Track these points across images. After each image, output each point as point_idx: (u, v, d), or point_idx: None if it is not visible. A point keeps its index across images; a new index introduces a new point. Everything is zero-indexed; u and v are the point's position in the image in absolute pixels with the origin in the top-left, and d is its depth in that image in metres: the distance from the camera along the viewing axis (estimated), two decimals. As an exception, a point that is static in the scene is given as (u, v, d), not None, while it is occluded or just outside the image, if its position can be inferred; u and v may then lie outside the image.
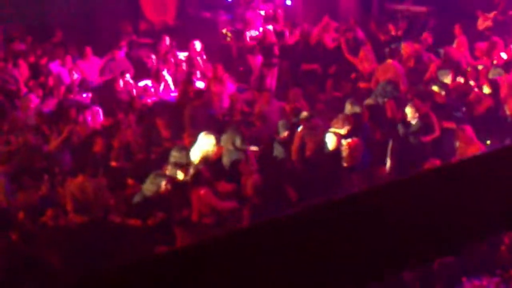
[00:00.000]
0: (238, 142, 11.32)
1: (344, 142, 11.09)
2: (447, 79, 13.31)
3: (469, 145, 11.03)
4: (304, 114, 11.90)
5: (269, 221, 1.52)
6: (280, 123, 12.33)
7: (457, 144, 11.41)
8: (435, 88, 12.72)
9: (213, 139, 10.79)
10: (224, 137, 11.41)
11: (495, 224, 1.59)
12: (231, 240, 1.49)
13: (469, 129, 11.36)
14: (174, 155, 10.77)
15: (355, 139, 11.13)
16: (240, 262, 1.44)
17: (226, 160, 11.31)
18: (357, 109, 12.01)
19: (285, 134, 11.92)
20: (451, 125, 11.97)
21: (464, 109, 12.53)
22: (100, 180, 10.41)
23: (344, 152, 11.03)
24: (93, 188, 10.19)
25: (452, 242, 1.56)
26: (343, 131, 11.27)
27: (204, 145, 10.76)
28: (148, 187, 10.00)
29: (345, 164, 10.97)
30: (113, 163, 11.40)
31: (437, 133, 11.97)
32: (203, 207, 9.97)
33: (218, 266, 1.43)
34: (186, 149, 11.03)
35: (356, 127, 11.46)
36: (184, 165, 10.60)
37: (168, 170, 10.55)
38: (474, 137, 11.32)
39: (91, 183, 10.24)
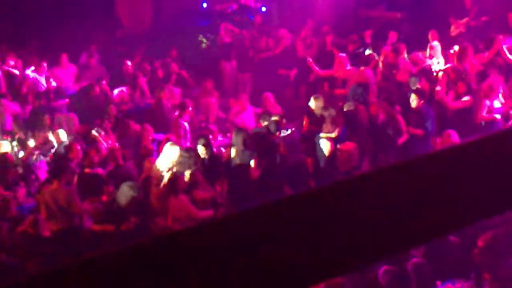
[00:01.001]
0: (246, 142, 11.35)
1: (339, 146, 11.13)
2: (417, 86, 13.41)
3: None
4: (274, 118, 11.95)
5: (263, 206, 1.56)
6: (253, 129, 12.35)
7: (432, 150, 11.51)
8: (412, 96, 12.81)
9: (177, 149, 10.80)
10: (234, 139, 11.46)
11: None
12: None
13: (453, 135, 11.43)
14: (182, 155, 10.89)
15: (349, 142, 11.19)
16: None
17: (238, 160, 11.36)
18: (332, 112, 12.09)
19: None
20: (418, 132, 12.10)
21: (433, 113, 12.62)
22: (73, 187, 10.37)
23: (340, 156, 11.02)
24: (65, 195, 10.15)
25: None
26: (334, 135, 11.37)
27: (169, 155, 10.79)
28: (121, 196, 10.00)
29: (341, 169, 10.96)
30: (87, 170, 11.37)
31: (404, 137, 12.08)
32: (179, 214, 9.98)
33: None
34: (194, 150, 11.14)
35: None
36: (192, 165, 10.72)
37: (175, 169, 10.69)
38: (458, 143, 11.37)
39: (64, 190, 10.21)
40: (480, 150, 1.65)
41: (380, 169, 1.63)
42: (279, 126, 11.61)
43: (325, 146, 11.24)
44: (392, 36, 16.72)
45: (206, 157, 11.25)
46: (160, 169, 10.75)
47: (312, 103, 12.61)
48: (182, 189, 10.23)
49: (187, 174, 10.61)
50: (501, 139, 1.69)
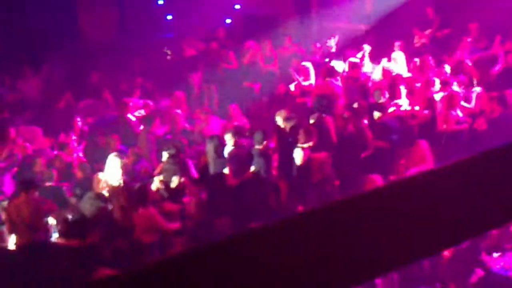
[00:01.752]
0: (218, 149, 11.42)
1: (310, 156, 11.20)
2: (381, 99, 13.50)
3: (420, 162, 11.18)
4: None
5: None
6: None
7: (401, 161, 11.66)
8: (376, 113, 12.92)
9: (119, 161, 10.78)
10: (207, 148, 11.55)
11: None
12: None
13: (424, 145, 11.52)
14: (168, 162, 10.98)
15: (323, 153, 11.26)
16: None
17: (212, 169, 11.38)
18: (292, 123, 12.18)
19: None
20: (383, 144, 12.20)
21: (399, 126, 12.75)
22: (38, 201, 10.26)
23: (313, 166, 11.08)
24: (30, 210, 10.05)
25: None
26: (308, 145, 11.41)
27: (112, 166, 10.75)
28: (85, 206, 9.94)
29: (313, 179, 11.01)
30: (49, 183, 11.30)
31: (370, 150, 12.17)
32: (147, 225, 9.95)
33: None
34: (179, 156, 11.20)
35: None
36: (178, 171, 10.99)
37: (161, 177, 10.93)
38: (428, 154, 11.46)
39: (29, 204, 10.11)
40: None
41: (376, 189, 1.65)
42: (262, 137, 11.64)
43: (299, 155, 11.27)
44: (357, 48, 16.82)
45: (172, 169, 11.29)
46: (110, 182, 10.75)
47: (278, 119, 12.69)
48: (151, 200, 10.24)
49: (175, 180, 10.68)
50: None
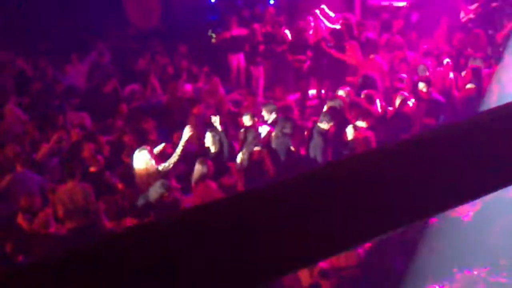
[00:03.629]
0: (287, 128, 11.40)
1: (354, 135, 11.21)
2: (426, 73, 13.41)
3: None
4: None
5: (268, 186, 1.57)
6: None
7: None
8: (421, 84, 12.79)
9: (146, 153, 10.76)
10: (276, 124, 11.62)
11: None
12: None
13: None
14: (247, 136, 11.15)
15: (368, 131, 11.29)
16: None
17: (274, 145, 11.46)
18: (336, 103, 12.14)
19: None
20: (430, 121, 12.08)
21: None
22: (88, 186, 10.42)
23: (358, 145, 11.07)
24: (82, 194, 10.22)
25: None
26: (326, 126, 11.37)
27: (139, 161, 10.76)
28: (152, 192, 10.14)
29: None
30: (92, 169, 11.43)
31: (417, 126, 12.06)
32: (205, 200, 10.00)
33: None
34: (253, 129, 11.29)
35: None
36: (257, 143, 11.01)
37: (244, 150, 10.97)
38: None
39: (80, 189, 10.27)
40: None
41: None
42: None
43: (350, 133, 11.25)
44: (397, 24, 16.67)
45: (216, 148, 11.36)
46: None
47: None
48: (210, 175, 10.31)
49: (255, 149, 10.75)
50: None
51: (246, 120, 11.64)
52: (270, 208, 1.50)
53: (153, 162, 10.61)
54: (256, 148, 10.92)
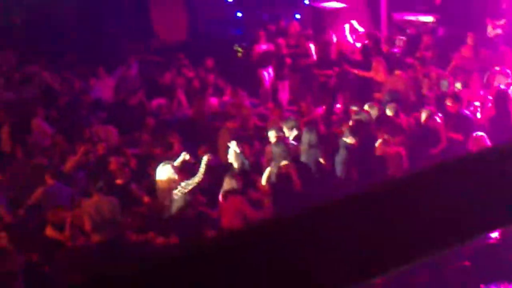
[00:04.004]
0: (313, 140, 11.44)
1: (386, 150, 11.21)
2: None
3: None
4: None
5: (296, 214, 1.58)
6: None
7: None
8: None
9: (170, 168, 10.74)
10: (303, 136, 11.65)
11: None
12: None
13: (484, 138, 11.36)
14: (274, 149, 11.10)
15: (399, 147, 11.31)
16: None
17: (303, 159, 11.50)
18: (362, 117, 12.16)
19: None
20: (457, 136, 12.00)
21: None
22: (114, 198, 10.48)
23: (389, 160, 11.10)
24: (109, 207, 10.28)
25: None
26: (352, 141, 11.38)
27: (162, 175, 10.71)
28: (175, 209, 10.23)
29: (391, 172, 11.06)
30: (119, 181, 11.49)
31: (443, 142, 12.00)
32: (235, 214, 10.02)
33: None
34: (284, 143, 11.27)
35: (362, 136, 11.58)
36: (286, 157, 10.93)
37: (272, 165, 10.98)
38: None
39: (107, 201, 10.33)
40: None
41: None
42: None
43: (379, 148, 11.27)
44: (426, 40, 16.63)
45: (238, 164, 11.36)
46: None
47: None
48: (239, 189, 10.32)
49: (283, 164, 10.74)
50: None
51: (272, 136, 11.65)
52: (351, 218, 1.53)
53: (176, 177, 10.59)
54: (284, 162, 10.91)
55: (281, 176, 10.88)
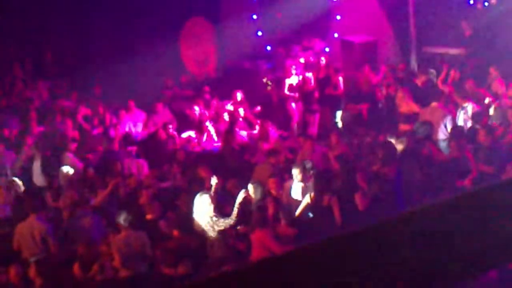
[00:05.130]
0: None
1: None
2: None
3: None
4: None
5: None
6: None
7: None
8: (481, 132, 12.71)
9: (207, 198, 10.67)
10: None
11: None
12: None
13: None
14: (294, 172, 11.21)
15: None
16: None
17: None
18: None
19: None
20: (487, 169, 11.89)
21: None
22: (143, 233, 10.49)
23: None
24: (138, 242, 10.29)
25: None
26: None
27: (199, 205, 10.59)
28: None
29: None
30: (149, 216, 11.54)
31: (474, 173, 11.91)
32: (261, 249, 9.99)
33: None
34: (305, 165, 11.30)
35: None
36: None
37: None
38: None
39: (136, 236, 10.35)
40: None
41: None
42: None
43: None
44: (454, 73, 16.56)
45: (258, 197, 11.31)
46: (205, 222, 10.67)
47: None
48: (268, 222, 10.28)
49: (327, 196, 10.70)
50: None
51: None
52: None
53: (212, 208, 10.56)
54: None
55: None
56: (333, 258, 1.58)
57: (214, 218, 10.43)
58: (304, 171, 11.54)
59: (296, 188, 11.53)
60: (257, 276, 1.57)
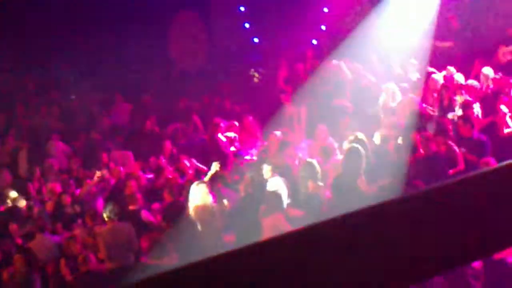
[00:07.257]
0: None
1: None
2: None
3: None
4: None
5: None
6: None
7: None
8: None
9: (204, 187, 10.60)
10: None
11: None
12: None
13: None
14: (302, 171, 11.01)
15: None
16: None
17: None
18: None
19: None
20: (473, 158, 11.89)
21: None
22: (128, 224, 10.46)
23: None
24: (125, 233, 10.27)
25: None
26: None
27: (196, 194, 10.49)
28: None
29: None
30: (132, 207, 11.49)
31: (461, 165, 11.91)
32: (273, 231, 9.91)
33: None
34: (313, 164, 11.15)
35: None
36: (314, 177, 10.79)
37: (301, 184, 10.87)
38: None
39: (123, 228, 10.32)
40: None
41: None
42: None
43: None
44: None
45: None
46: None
47: None
48: (282, 208, 10.19)
49: (310, 184, 10.63)
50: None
51: (267, 171, 11.46)
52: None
53: (210, 197, 10.47)
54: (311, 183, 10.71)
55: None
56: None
57: (215, 206, 10.40)
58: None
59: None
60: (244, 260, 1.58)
